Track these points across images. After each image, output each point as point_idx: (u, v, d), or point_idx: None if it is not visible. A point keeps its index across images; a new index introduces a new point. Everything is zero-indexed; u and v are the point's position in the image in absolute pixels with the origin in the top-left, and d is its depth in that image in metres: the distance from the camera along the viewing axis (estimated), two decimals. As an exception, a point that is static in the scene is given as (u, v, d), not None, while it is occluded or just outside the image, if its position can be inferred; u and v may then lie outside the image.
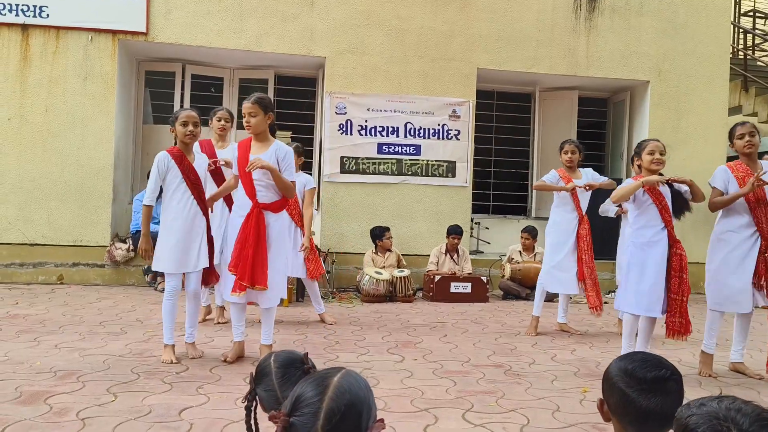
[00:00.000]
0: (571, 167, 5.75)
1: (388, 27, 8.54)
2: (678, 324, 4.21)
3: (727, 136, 4.50)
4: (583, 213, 5.69)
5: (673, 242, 4.24)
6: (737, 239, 4.36)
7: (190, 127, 4.23)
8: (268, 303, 4.32)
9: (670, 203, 4.26)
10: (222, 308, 5.76)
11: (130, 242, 7.87)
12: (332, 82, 8.47)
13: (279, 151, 4.27)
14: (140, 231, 7.78)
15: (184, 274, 4.35)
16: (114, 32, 7.97)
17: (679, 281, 4.20)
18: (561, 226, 5.71)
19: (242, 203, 4.27)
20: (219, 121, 5.37)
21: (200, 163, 4.39)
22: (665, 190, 4.29)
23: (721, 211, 4.50)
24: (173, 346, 4.31)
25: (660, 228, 4.22)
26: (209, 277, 4.53)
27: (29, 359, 4.16)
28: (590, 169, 5.89)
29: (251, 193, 4.21)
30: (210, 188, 4.77)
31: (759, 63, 12.35)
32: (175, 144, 4.37)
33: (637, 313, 4.21)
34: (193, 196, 4.25)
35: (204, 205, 4.34)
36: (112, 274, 7.90)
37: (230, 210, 4.87)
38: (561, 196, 5.72)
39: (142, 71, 8.98)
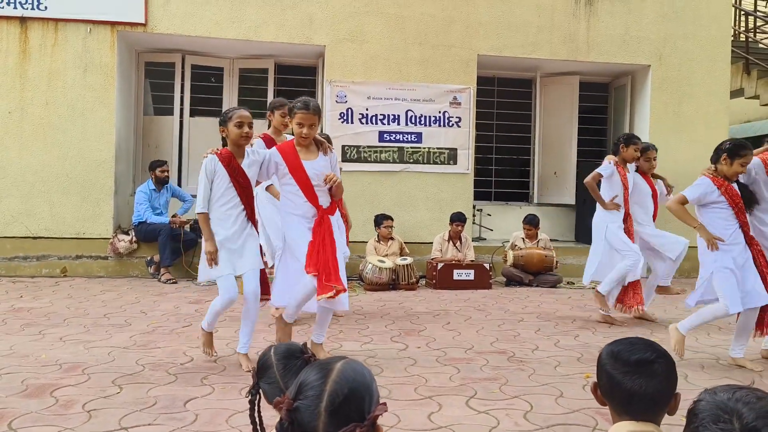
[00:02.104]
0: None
1: (387, 14, 8.49)
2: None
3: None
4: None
5: (750, 241, 4.26)
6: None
7: (246, 129, 3.95)
8: (343, 306, 4.11)
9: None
10: None
11: (133, 234, 7.88)
12: (332, 70, 8.44)
13: (332, 158, 4.19)
14: (142, 222, 7.88)
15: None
16: (113, 24, 7.94)
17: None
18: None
19: (304, 210, 4.06)
20: (284, 117, 5.12)
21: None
22: (736, 187, 4.29)
23: None
24: (211, 334, 4.16)
25: (737, 227, 4.25)
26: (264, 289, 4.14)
27: (34, 352, 4.19)
28: None
29: (313, 198, 4.07)
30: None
31: (761, 45, 12.27)
32: (224, 144, 4.07)
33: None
34: (240, 200, 4.00)
35: (251, 209, 4.09)
36: (116, 266, 7.93)
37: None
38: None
39: (141, 62, 8.95)
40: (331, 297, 3.88)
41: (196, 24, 8.12)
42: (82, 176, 7.90)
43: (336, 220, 4.20)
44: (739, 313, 4.23)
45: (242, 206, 4.02)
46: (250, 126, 3.99)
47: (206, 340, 4.14)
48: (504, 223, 9.39)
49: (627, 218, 5.68)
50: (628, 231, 5.65)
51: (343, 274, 4.05)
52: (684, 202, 4.36)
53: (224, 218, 3.98)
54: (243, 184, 4.00)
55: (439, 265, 7.62)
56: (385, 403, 1.27)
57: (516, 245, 8.18)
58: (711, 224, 4.29)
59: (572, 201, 9.63)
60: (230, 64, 9.13)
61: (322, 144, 4.19)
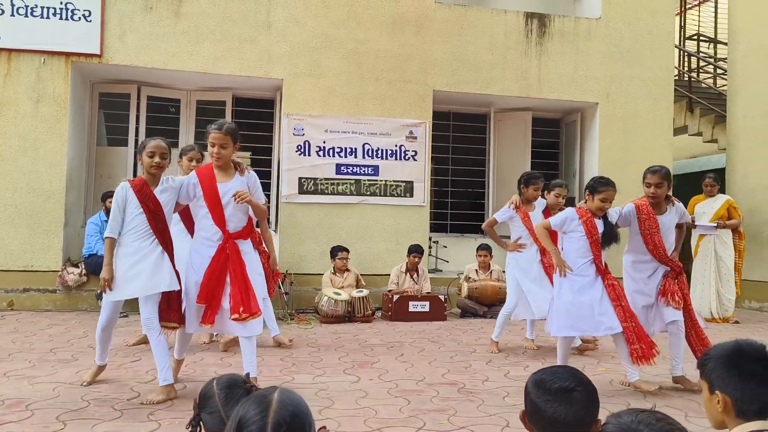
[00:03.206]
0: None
1: (344, 50, 8.66)
2: (639, 350, 4.36)
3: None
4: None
5: (602, 274, 4.50)
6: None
7: (157, 159, 4.07)
8: (251, 331, 4.13)
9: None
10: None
11: (83, 266, 7.73)
12: (290, 103, 8.53)
13: (249, 179, 4.24)
14: (92, 255, 7.74)
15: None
16: (67, 54, 7.90)
17: (622, 309, 4.40)
18: None
19: (210, 233, 4.14)
20: (191, 161, 5.23)
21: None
22: (600, 223, 4.53)
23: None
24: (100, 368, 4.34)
25: (589, 260, 4.50)
26: (171, 315, 4.17)
27: (-25, 389, 4.06)
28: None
29: (221, 223, 4.12)
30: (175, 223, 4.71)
31: (703, 85, 12.87)
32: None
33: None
34: (150, 226, 4.06)
35: (163, 236, 4.12)
36: (64, 299, 7.75)
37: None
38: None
39: (96, 93, 8.89)
40: (240, 319, 4.01)
41: (153, 56, 8.13)
42: (31, 207, 7.75)
43: (247, 246, 4.27)
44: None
45: (151, 231, 4.08)
46: (163, 157, 4.10)
47: (95, 372, 4.29)
48: (460, 255, 9.52)
49: (545, 253, 5.74)
50: (546, 267, 5.74)
51: (259, 297, 4.18)
52: (547, 227, 4.70)
53: (133, 244, 4.06)
54: (153, 209, 4.08)
55: (395, 297, 7.67)
56: (324, 427, 1.32)
57: (470, 277, 8.29)
58: (567, 251, 4.58)
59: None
60: (187, 95, 9.14)
61: (239, 165, 4.28)
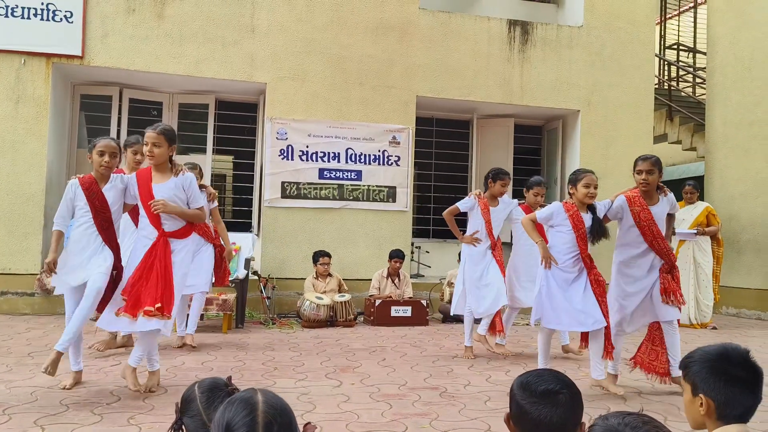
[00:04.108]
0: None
1: (328, 54, 8.67)
2: (610, 347, 4.46)
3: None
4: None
5: (589, 268, 4.52)
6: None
7: (107, 158, 4.22)
8: (148, 326, 4.12)
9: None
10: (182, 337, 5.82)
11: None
12: (273, 107, 8.52)
13: (183, 180, 4.31)
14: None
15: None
16: (48, 56, 7.82)
17: (604, 304, 4.46)
18: None
19: (147, 232, 4.25)
20: (135, 154, 5.25)
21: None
22: (587, 218, 4.54)
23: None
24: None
25: (575, 254, 4.53)
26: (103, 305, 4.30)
27: (-50, 393, 4.00)
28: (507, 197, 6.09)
29: (156, 222, 4.22)
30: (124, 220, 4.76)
31: (683, 93, 13.07)
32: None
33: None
34: (94, 222, 4.21)
35: (107, 233, 4.26)
36: (43, 302, 7.65)
37: None
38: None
39: (77, 95, 8.81)
40: (153, 314, 4.03)
41: (135, 58, 8.07)
42: (9, 209, 7.65)
43: (181, 245, 4.29)
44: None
45: (95, 227, 4.22)
46: (112, 156, 4.25)
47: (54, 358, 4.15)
48: (442, 260, 9.55)
49: (495, 248, 5.83)
50: (499, 261, 5.80)
51: (177, 299, 4.22)
52: (534, 219, 4.73)
53: (78, 238, 4.23)
54: (98, 207, 4.23)
55: (377, 302, 7.67)
56: (310, 423, 1.32)
57: (452, 282, 8.30)
58: (553, 246, 4.60)
59: (507, 239, 9.86)
60: (170, 98, 9.08)
61: (175, 166, 4.36)
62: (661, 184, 4.70)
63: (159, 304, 4.06)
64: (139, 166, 5.17)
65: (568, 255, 4.53)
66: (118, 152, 4.30)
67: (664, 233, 4.65)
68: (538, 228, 4.75)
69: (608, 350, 4.47)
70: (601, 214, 4.62)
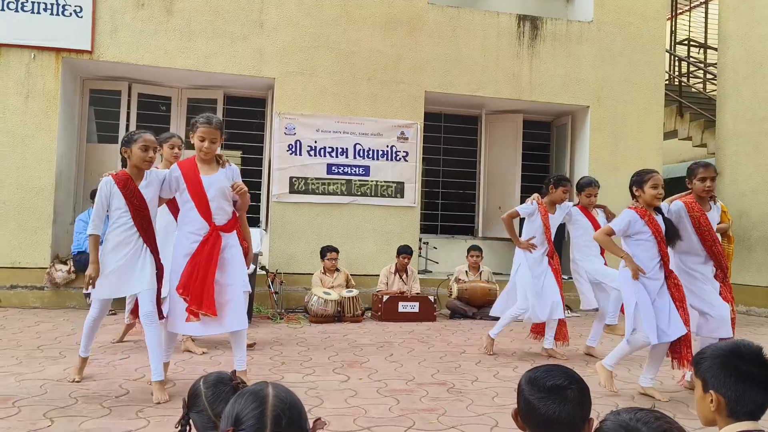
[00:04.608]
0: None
1: (337, 49, 8.65)
2: (688, 354, 4.29)
3: (687, 172, 4.57)
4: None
5: (668, 272, 4.38)
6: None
7: (150, 153, 4.00)
8: (238, 325, 4.10)
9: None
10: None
11: (72, 264, 7.68)
12: (282, 102, 8.52)
13: (232, 171, 4.20)
14: (81, 252, 7.70)
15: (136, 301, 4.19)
16: (58, 50, 7.85)
17: (684, 311, 4.33)
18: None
19: (196, 227, 4.05)
20: (172, 149, 5.19)
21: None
22: (660, 220, 4.41)
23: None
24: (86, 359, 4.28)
25: (658, 260, 4.36)
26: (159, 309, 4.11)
27: (-39, 385, 4.02)
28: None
29: (207, 216, 4.06)
30: (162, 216, 4.66)
31: (693, 89, 12.97)
32: (123, 166, 4.14)
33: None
34: (134, 223, 4.00)
35: (147, 233, 4.05)
36: (52, 296, 7.69)
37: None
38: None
39: (86, 90, 8.84)
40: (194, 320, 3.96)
41: (144, 53, 8.09)
42: (19, 204, 7.69)
43: (232, 240, 4.20)
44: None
45: (136, 229, 4.00)
46: (155, 151, 4.05)
47: (79, 366, 4.24)
48: (449, 256, 9.54)
49: (553, 257, 5.75)
50: (555, 270, 5.72)
51: (239, 291, 4.14)
52: (611, 233, 4.51)
53: (119, 241, 3.99)
54: (138, 206, 4.00)
55: (385, 298, 7.67)
56: (320, 419, 1.32)
57: (460, 278, 8.31)
58: (635, 256, 4.41)
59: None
60: (178, 93, 9.10)
61: (220, 158, 4.24)
62: (714, 194, 4.63)
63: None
64: (176, 161, 4.96)
65: (653, 262, 4.35)
66: (159, 147, 4.14)
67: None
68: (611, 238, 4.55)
69: (687, 358, 4.28)
70: (666, 214, 4.50)
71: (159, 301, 4.12)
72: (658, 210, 4.44)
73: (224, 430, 1.26)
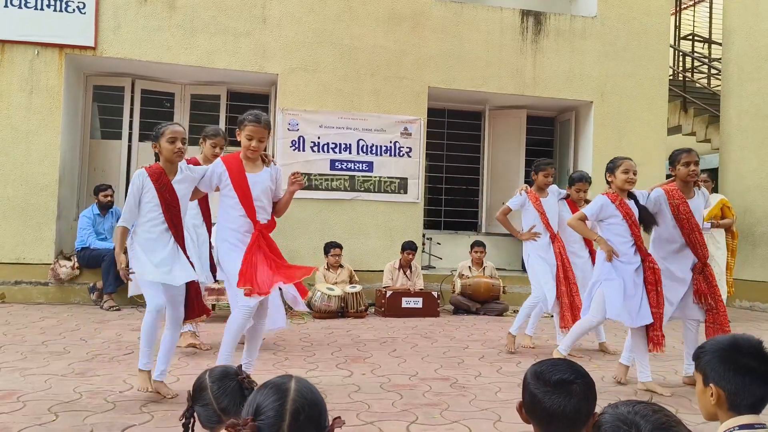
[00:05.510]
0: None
1: (340, 45, 8.64)
2: (658, 337, 4.35)
3: (668, 159, 4.63)
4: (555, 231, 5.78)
5: (644, 256, 4.44)
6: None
7: (179, 144, 3.84)
8: (277, 323, 4.12)
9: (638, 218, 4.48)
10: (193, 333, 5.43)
11: (75, 260, 7.70)
12: (285, 98, 8.52)
13: (276, 171, 4.14)
14: (85, 248, 7.71)
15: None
16: (61, 46, 7.86)
17: (657, 294, 4.38)
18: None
19: (239, 224, 3.95)
20: (214, 147, 5.10)
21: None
22: (632, 205, 4.49)
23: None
24: (149, 372, 3.86)
25: (632, 244, 4.44)
26: (194, 310, 4.01)
27: (-34, 380, 4.04)
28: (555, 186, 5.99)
29: (252, 214, 3.95)
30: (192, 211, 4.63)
31: (697, 85, 12.93)
32: (156, 160, 3.99)
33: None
34: (165, 218, 3.85)
35: (177, 229, 3.90)
36: (56, 292, 7.72)
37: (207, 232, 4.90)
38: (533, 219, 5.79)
39: (90, 86, 8.85)
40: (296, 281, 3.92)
41: (148, 49, 8.10)
42: (23, 200, 7.71)
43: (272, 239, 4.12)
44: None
45: (166, 225, 3.86)
46: (183, 142, 3.89)
47: (143, 379, 3.84)
48: (453, 252, 9.54)
49: (555, 240, 5.74)
50: (560, 254, 5.71)
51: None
52: (583, 218, 4.65)
53: (149, 237, 3.84)
54: (170, 202, 3.86)
55: (388, 293, 7.68)
56: (339, 417, 1.33)
57: (463, 274, 8.31)
58: (609, 240, 4.52)
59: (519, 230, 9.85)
60: (181, 89, 9.11)
61: (266, 157, 4.16)
62: (697, 179, 4.63)
63: (298, 272, 3.97)
64: (215, 159, 4.74)
65: (625, 246, 4.45)
66: (187, 138, 3.96)
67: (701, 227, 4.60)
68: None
69: (652, 341, 4.36)
70: (642, 200, 4.56)
71: (200, 295, 4.06)
72: (632, 196, 4.53)
73: (244, 419, 1.27)
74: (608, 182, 4.62)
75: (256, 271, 3.83)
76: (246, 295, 3.77)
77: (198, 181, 4.02)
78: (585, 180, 5.93)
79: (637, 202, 4.53)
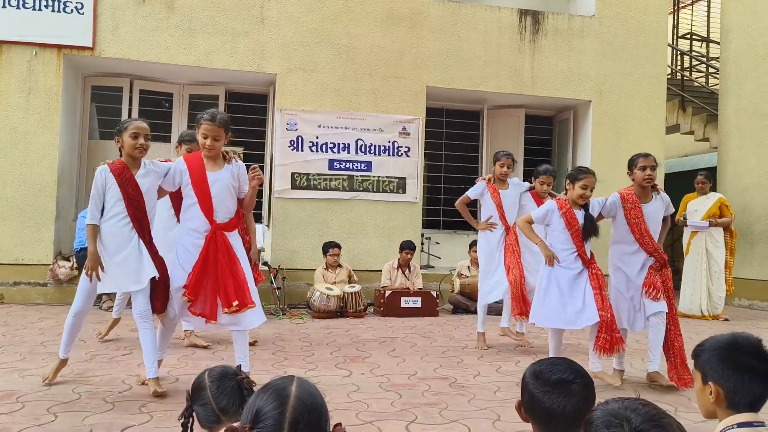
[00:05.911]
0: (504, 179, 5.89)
1: (338, 45, 8.64)
2: (604, 340, 4.35)
3: (627, 164, 4.66)
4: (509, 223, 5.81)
5: (587, 264, 4.51)
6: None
7: (141, 140, 3.89)
8: (245, 324, 4.04)
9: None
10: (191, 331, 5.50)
11: (74, 260, 7.70)
12: (283, 98, 8.51)
13: (238, 167, 4.13)
14: (84, 249, 7.68)
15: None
16: (59, 47, 7.85)
17: (601, 298, 4.41)
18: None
19: (197, 224, 3.98)
20: (189, 152, 4.91)
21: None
22: (580, 215, 4.54)
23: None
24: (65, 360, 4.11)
25: (573, 251, 4.52)
26: (157, 304, 4.05)
27: (-35, 381, 4.04)
28: (517, 179, 6.05)
29: (209, 213, 3.98)
30: (161, 207, 4.62)
31: (695, 83, 12.94)
32: (120, 156, 4.06)
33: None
34: (128, 213, 3.91)
35: (140, 223, 3.95)
36: (55, 293, 7.71)
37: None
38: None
39: (88, 86, 8.84)
40: (234, 311, 3.91)
41: (146, 49, 8.09)
42: (22, 200, 7.70)
43: (234, 239, 4.10)
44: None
45: (129, 219, 3.92)
46: (146, 138, 3.93)
47: (56, 367, 4.08)
48: (452, 251, 9.54)
49: (508, 233, 5.76)
50: (511, 246, 5.71)
51: (254, 288, 4.08)
52: (530, 221, 4.72)
53: (112, 232, 3.92)
54: (133, 196, 3.91)
55: (387, 293, 7.68)
56: (340, 423, 1.32)
57: (462, 273, 8.31)
58: (551, 245, 4.60)
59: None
60: (180, 89, 9.10)
61: (227, 154, 4.16)
62: (656, 184, 4.67)
63: (236, 302, 3.90)
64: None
65: (565, 252, 4.53)
66: (150, 134, 3.99)
67: (659, 232, 4.64)
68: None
69: (597, 343, 4.36)
70: (596, 211, 4.62)
71: (166, 294, 4.06)
72: (584, 206, 4.57)
73: (243, 426, 1.26)
74: (566, 189, 4.64)
75: (200, 287, 3.93)
76: (187, 302, 3.95)
77: (162, 177, 4.06)
78: (549, 173, 5.94)
79: (587, 213, 4.56)
